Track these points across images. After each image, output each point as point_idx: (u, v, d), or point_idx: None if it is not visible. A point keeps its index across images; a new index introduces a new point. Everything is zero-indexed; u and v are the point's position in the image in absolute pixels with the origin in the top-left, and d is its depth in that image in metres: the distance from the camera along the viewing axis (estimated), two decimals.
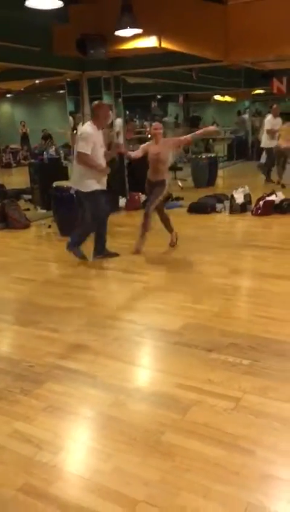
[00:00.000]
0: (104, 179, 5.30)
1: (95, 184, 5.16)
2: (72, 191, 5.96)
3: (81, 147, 5.02)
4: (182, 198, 8.86)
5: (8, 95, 19.86)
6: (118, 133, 9.38)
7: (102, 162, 5.19)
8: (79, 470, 2.31)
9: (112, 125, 8.96)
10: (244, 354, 3.26)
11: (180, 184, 10.55)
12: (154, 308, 4.17)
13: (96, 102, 5.58)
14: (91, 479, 2.23)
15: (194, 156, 11.73)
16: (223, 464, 2.25)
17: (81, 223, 5.42)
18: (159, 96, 19.29)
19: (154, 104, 20.16)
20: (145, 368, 3.25)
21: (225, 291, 4.45)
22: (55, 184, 6.59)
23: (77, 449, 2.48)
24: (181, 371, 3.11)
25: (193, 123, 17.60)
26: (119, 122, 9.52)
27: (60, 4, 5.60)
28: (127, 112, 16.39)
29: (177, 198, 8.89)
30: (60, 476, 2.26)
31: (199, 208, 8.00)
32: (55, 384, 3.02)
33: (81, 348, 3.47)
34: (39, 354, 3.42)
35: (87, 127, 5.22)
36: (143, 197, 8.48)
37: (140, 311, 4.12)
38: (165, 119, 18.22)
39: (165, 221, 5.87)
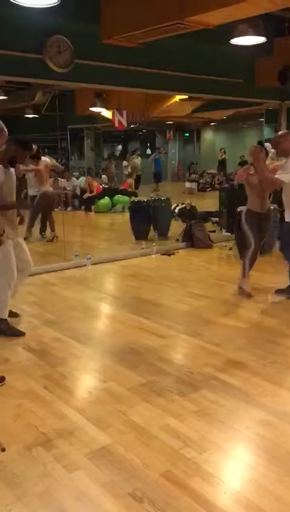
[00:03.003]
0: None
1: None
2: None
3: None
4: None
5: (212, 123, 20.95)
6: None
7: None
8: (218, 472, 2.47)
9: None
10: None
11: None
12: None
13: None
14: (227, 482, 2.38)
15: None
16: None
17: None
18: None
19: None
20: None
21: None
22: (239, 209, 6.83)
23: (219, 454, 2.63)
24: None
25: None
26: None
27: (263, 40, 5.89)
28: None
29: None
30: (199, 473, 2.45)
31: None
32: (209, 392, 3.23)
33: (239, 365, 3.62)
34: (200, 363, 3.67)
35: None
36: None
37: None
38: None
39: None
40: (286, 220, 4.97)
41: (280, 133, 5.42)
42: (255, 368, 3.57)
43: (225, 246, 7.81)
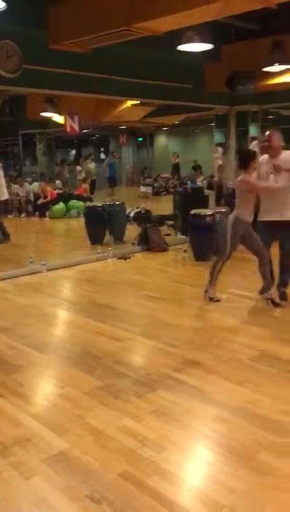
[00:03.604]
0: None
1: None
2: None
3: None
4: None
5: (164, 128, 21.22)
6: None
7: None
8: (176, 470, 2.50)
9: None
10: None
11: None
12: (277, 337, 4.20)
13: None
14: (185, 479, 2.42)
15: None
16: None
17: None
18: None
19: None
20: (253, 391, 3.31)
21: None
22: (193, 212, 6.96)
23: (177, 452, 2.67)
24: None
25: None
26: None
27: (210, 46, 6.03)
28: None
29: None
30: (157, 471, 2.48)
31: None
32: (166, 392, 3.27)
33: (195, 364, 3.68)
34: (157, 364, 3.71)
35: None
36: None
37: (261, 339, 4.18)
38: None
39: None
40: None
41: (267, 132, 5.02)
42: (211, 367, 3.65)
43: (180, 248, 7.92)
